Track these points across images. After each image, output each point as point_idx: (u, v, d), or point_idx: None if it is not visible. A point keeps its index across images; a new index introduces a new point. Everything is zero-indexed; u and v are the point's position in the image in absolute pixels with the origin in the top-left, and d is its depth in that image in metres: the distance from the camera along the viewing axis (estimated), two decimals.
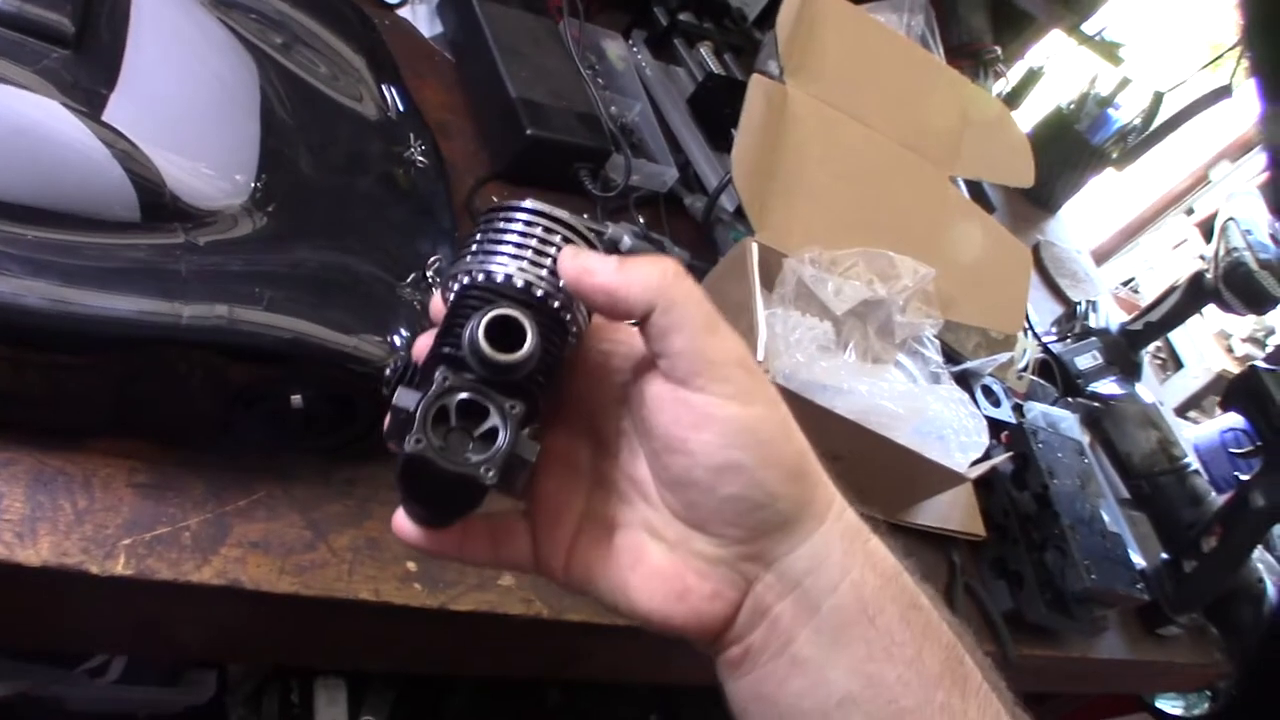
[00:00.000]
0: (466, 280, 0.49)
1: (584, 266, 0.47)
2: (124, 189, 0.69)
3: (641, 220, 1.28)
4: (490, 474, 0.44)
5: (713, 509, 0.47)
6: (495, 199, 1.17)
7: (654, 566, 0.49)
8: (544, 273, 0.48)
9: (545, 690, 1.37)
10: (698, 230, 1.35)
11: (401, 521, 0.49)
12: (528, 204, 0.50)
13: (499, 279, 0.48)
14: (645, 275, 0.47)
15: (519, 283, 0.48)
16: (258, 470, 0.80)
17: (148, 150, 0.70)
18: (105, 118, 0.68)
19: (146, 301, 0.67)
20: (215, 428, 0.76)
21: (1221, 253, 1.64)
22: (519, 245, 0.49)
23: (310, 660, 1.18)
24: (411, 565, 0.83)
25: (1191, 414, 3.40)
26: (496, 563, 0.52)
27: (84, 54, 0.70)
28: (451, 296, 0.50)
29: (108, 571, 0.70)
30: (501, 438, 0.45)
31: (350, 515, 0.82)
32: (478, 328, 0.46)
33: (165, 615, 0.81)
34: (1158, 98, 2.17)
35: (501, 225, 0.50)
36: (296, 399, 0.76)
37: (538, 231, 0.49)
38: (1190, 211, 3.94)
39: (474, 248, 0.50)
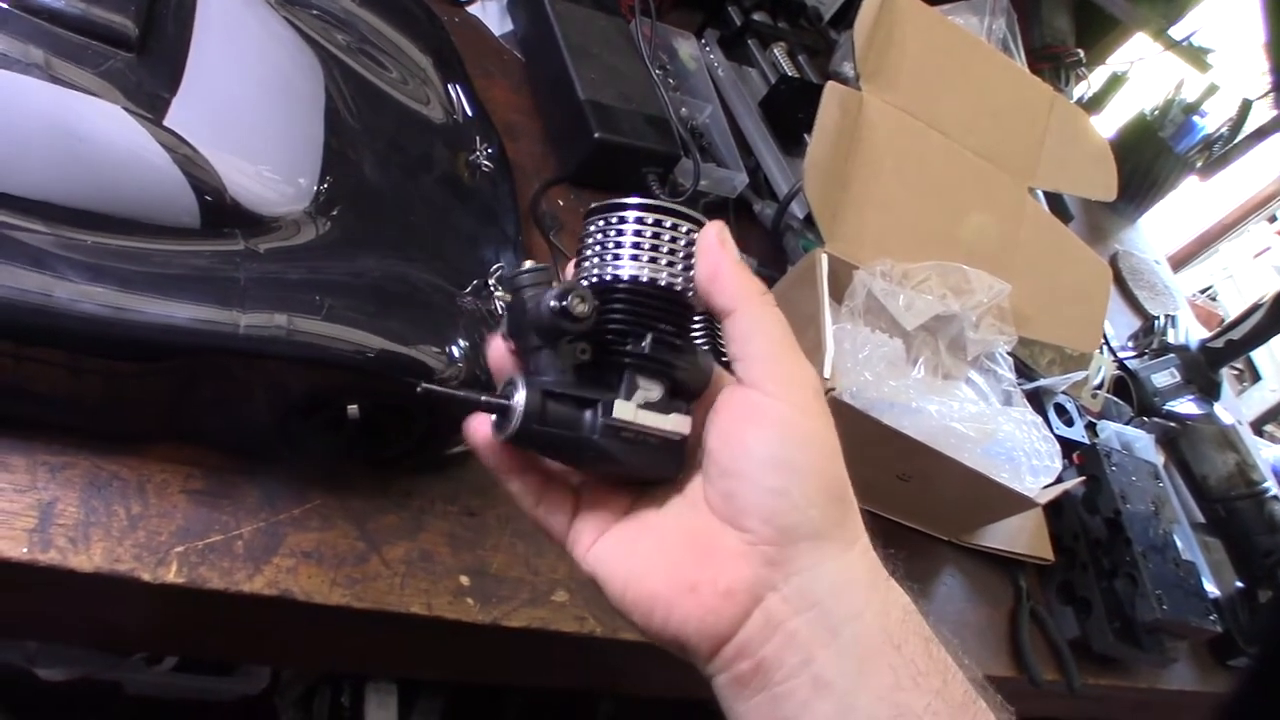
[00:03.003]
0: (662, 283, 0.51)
1: (726, 240, 0.51)
2: (185, 195, 0.68)
3: None
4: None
5: (752, 500, 0.48)
6: (561, 203, 1.15)
7: (673, 559, 0.49)
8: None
9: (598, 701, 1.36)
10: (767, 237, 1.32)
11: (483, 430, 0.51)
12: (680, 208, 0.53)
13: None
14: (749, 278, 0.51)
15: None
16: (313, 479, 0.79)
17: (209, 155, 0.69)
18: (167, 122, 0.67)
19: (204, 309, 0.66)
20: (272, 436, 0.75)
21: None
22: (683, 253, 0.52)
23: (358, 668, 1.18)
24: (464, 580, 0.81)
25: (1269, 427, 3.31)
26: (533, 517, 0.54)
27: (147, 57, 0.69)
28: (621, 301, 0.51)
29: (159, 579, 0.70)
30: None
31: (405, 527, 0.81)
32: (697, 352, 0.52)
33: (215, 621, 0.80)
34: (1246, 105, 2.10)
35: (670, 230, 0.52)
36: (353, 409, 0.75)
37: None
38: (1274, 219, 3.82)
39: (629, 246, 0.51)
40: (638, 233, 0.51)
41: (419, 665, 0.99)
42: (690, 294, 0.51)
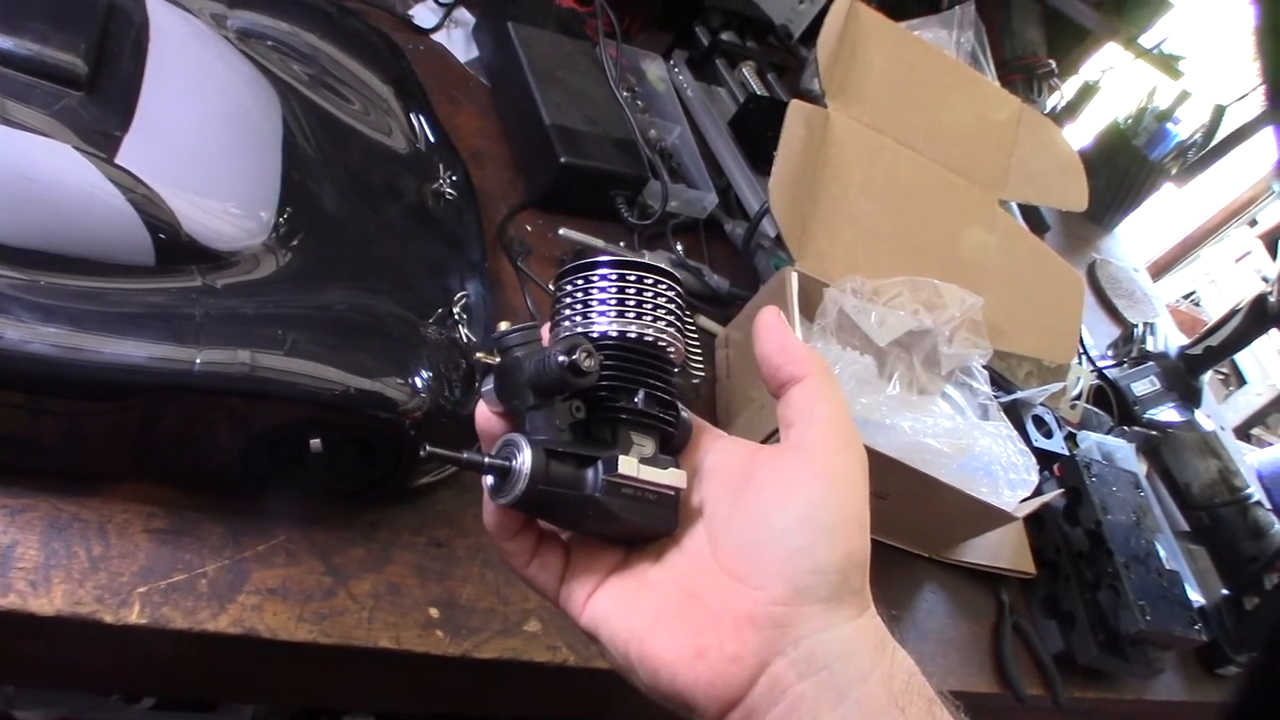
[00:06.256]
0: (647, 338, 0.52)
1: (784, 318, 0.54)
2: (138, 233, 0.67)
3: (680, 248, 1.25)
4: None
5: (775, 556, 0.48)
6: (528, 228, 1.15)
7: (677, 620, 0.49)
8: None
9: None
10: (738, 257, 1.32)
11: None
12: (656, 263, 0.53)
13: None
14: (814, 350, 0.54)
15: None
16: (278, 514, 0.78)
17: (163, 191, 0.69)
18: (119, 160, 0.67)
19: (158, 347, 0.66)
20: (235, 472, 0.75)
21: None
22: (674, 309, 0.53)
23: (332, 703, 1.16)
24: (434, 612, 0.81)
25: (1255, 431, 3.32)
26: (525, 576, 0.54)
27: (98, 95, 0.68)
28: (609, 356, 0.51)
29: (122, 620, 0.69)
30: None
31: (372, 560, 0.80)
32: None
33: (182, 661, 0.79)
34: (1219, 111, 2.11)
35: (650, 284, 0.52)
36: (315, 442, 0.74)
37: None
38: (1254, 223, 3.84)
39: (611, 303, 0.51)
40: (620, 289, 0.51)
41: (392, 699, 0.98)
42: (671, 350, 0.52)
